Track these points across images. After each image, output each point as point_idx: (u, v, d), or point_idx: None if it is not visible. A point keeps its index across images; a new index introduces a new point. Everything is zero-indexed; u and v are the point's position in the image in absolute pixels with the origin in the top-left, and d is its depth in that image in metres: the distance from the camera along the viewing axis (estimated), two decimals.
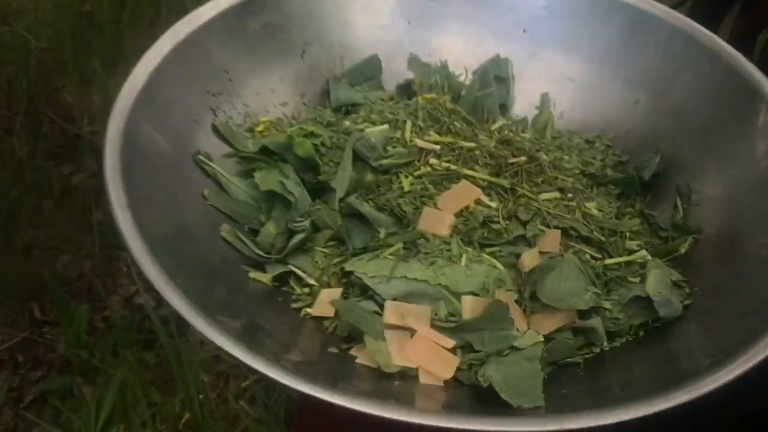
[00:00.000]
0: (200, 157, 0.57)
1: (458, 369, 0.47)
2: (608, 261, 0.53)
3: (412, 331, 0.48)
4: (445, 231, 0.52)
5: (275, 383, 0.41)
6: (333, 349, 0.49)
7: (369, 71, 0.68)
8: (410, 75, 0.69)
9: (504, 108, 0.67)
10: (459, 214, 0.53)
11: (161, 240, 0.48)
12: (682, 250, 0.55)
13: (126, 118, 0.53)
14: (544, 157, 0.58)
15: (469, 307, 0.49)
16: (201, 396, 1.12)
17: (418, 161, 0.56)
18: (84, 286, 1.42)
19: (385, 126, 0.57)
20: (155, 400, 1.19)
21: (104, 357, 1.22)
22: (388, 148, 0.56)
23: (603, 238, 0.54)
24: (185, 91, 0.59)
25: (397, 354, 0.47)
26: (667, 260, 0.55)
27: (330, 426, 0.53)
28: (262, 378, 0.41)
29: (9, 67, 1.66)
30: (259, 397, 1.16)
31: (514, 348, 0.47)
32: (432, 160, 0.55)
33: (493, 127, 0.61)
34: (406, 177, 0.55)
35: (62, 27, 1.74)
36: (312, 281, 0.53)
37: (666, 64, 0.64)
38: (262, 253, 0.54)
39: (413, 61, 0.68)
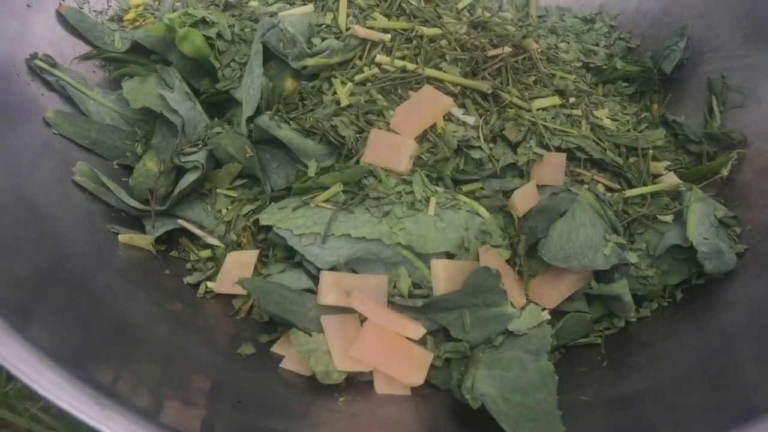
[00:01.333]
0: (38, 62, 0.39)
1: (432, 367, 0.32)
2: (629, 193, 0.38)
3: (361, 317, 0.33)
4: (403, 165, 0.35)
5: None
6: (245, 350, 0.33)
7: None
8: None
9: None
10: (422, 138, 0.36)
11: None
12: (724, 172, 0.41)
13: None
14: (534, 45, 0.41)
15: (443, 275, 0.33)
16: None
17: (360, 59, 0.38)
18: None
19: (309, 6, 0.39)
20: None
21: None
22: (315, 40, 0.38)
23: (620, 161, 0.39)
24: None
25: (341, 354, 0.32)
26: (704, 186, 0.40)
27: None
28: None
29: None
30: None
31: (509, 334, 0.33)
32: (380, 57, 0.38)
33: (461, 5, 0.44)
34: (343, 84, 0.37)
35: None
36: (214, 240, 0.37)
37: None
38: (137, 204, 0.37)
39: None
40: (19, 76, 0.38)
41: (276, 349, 0.33)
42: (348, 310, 0.33)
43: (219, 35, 0.40)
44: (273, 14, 0.39)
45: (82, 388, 0.25)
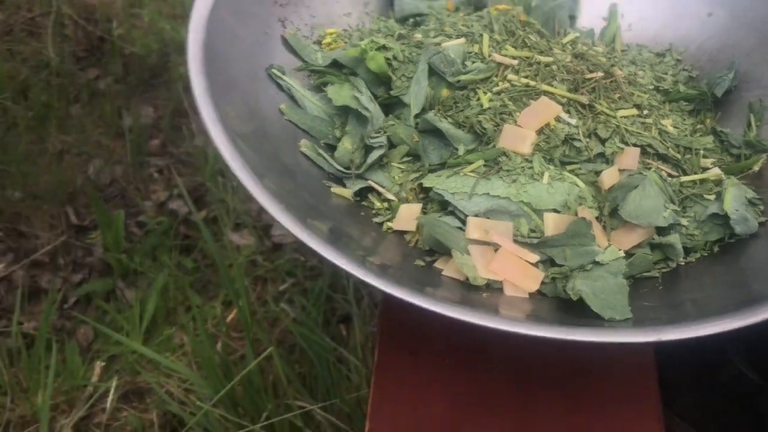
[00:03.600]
0: (274, 71, 0.57)
1: (542, 282, 0.49)
2: (684, 178, 0.54)
3: (495, 246, 0.49)
4: (526, 149, 0.52)
5: (365, 284, 0.42)
6: (418, 262, 0.50)
7: None
8: None
9: (572, 19, 0.66)
10: (540, 132, 0.53)
11: (245, 137, 0.48)
12: (756, 168, 0.56)
13: (203, 28, 0.52)
14: (619, 72, 0.57)
15: (552, 224, 0.50)
16: (241, 300, 1.15)
17: (496, 77, 0.55)
18: (116, 191, 1.43)
19: (462, 40, 0.56)
20: (196, 303, 1.23)
21: (142, 261, 1.25)
22: (467, 63, 0.56)
23: (679, 156, 0.55)
24: (255, 2, 0.58)
25: (483, 267, 0.48)
26: (740, 177, 0.55)
27: (413, 335, 0.54)
28: (348, 276, 0.42)
29: None
30: (297, 300, 1.19)
31: (596, 263, 0.49)
32: (510, 76, 0.55)
33: (566, 40, 0.61)
34: (485, 93, 0.54)
35: None
36: (391, 196, 0.54)
37: None
38: (342, 168, 0.54)
39: None
40: (263, 79, 0.56)
41: (437, 264, 0.50)
42: (486, 243, 0.50)
43: (394, 57, 0.58)
44: (437, 44, 0.56)
45: None
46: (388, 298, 0.42)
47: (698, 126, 0.59)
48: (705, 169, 0.55)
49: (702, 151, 0.56)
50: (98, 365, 1.10)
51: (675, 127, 0.56)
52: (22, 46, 1.49)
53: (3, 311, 1.23)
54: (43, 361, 1.08)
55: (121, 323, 1.16)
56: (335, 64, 0.59)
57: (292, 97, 0.57)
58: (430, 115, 0.54)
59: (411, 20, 0.64)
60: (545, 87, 0.54)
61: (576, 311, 0.46)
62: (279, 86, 0.57)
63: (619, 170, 0.52)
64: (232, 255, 1.24)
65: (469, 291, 0.47)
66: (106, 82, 1.50)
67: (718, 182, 0.54)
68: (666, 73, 0.62)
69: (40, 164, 1.39)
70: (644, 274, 0.51)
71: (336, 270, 0.41)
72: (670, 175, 0.54)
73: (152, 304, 1.19)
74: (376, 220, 0.53)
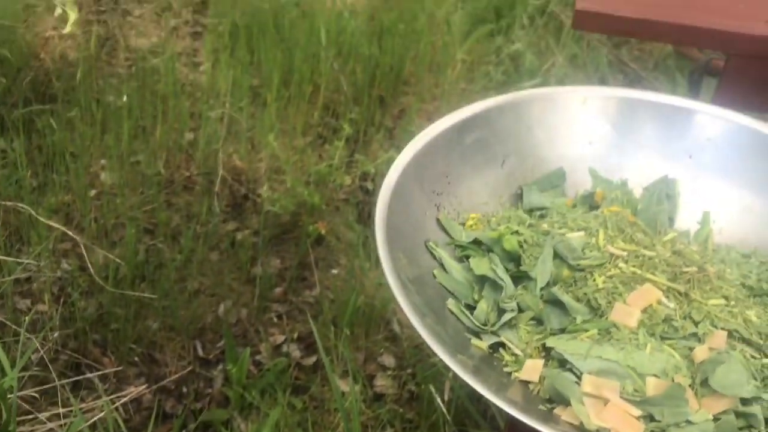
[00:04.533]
0: (430, 244, 0.73)
1: None
2: (766, 361, 0.65)
3: (605, 400, 0.61)
4: (633, 323, 0.65)
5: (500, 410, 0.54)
6: (541, 407, 0.62)
7: (555, 180, 0.83)
8: (588, 185, 0.83)
9: (671, 221, 0.80)
10: (644, 311, 0.66)
11: (411, 282, 0.63)
12: None
13: (385, 212, 0.69)
14: (711, 268, 0.70)
15: (653, 387, 0.61)
16: None
17: (609, 264, 0.69)
18: (240, 331, 1.60)
19: (582, 233, 0.71)
20: None
21: (258, 397, 1.38)
22: (585, 251, 0.70)
23: (761, 341, 0.66)
24: (419, 190, 0.75)
25: (595, 416, 0.60)
26: None
27: None
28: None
29: (189, 133, 1.91)
30: None
31: (689, 422, 0.60)
32: (621, 264, 0.69)
33: (666, 239, 0.75)
34: (600, 276, 0.68)
35: (234, 99, 1.98)
36: (518, 351, 0.67)
37: None
38: (480, 325, 0.68)
39: (595, 176, 0.82)
40: (422, 249, 0.72)
41: (556, 411, 0.62)
42: (597, 397, 0.62)
43: (525, 240, 0.73)
44: (562, 234, 0.71)
45: None
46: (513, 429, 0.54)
47: None
48: None
49: None
50: None
51: (758, 318, 0.68)
52: (178, 198, 1.74)
53: (131, 429, 1.37)
54: None
55: None
56: (476, 242, 0.74)
57: (442, 265, 0.73)
58: (555, 289, 0.68)
59: (537, 212, 0.80)
60: (649, 276, 0.68)
61: None
62: (433, 255, 0.73)
63: (710, 348, 0.64)
64: (338, 400, 1.36)
65: None
66: (243, 234, 1.72)
67: None
68: (751, 272, 0.74)
69: (179, 300, 1.58)
70: None
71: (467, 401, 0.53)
72: (753, 357, 0.65)
73: None
74: (506, 369, 0.66)
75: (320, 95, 2.01)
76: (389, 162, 0.77)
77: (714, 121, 0.81)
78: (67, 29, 1.10)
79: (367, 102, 2.00)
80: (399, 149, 0.76)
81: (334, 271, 1.66)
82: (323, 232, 1.68)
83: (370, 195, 1.79)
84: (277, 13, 2.16)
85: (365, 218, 1.73)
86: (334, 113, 2.02)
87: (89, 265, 1.39)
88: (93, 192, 1.72)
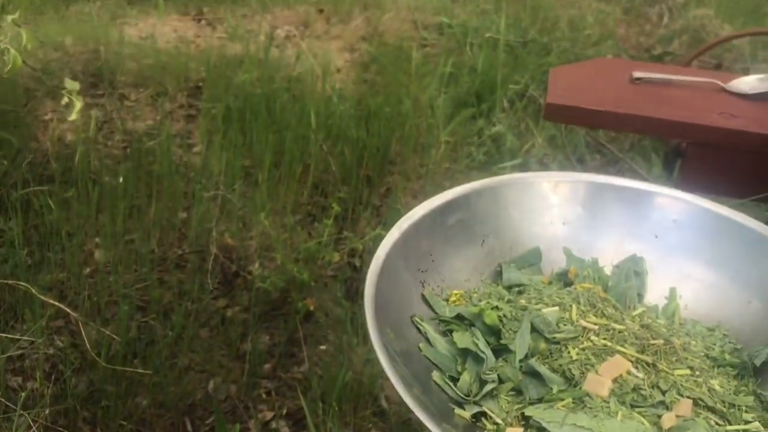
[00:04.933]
0: (416, 319, 0.78)
1: None
2: (729, 428, 0.69)
3: None
4: (605, 392, 0.69)
5: None
6: None
7: (532, 259, 0.89)
8: (562, 263, 0.89)
9: (640, 296, 0.86)
10: (615, 381, 0.70)
11: (398, 355, 0.68)
12: None
13: (373, 288, 0.74)
14: (676, 341, 0.75)
15: None
16: None
17: (582, 337, 0.74)
18: (229, 407, 1.62)
19: (557, 308, 0.77)
20: None
21: None
22: (560, 325, 0.75)
23: (724, 409, 0.71)
24: (405, 268, 0.81)
25: None
26: None
27: None
28: None
29: (182, 212, 1.97)
30: None
31: None
32: (593, 337, 0.74)
33: (635, 313, 0.80)
34: (574, 348, 0.73)
35: (227, 179, 2.05)
36: (499, 420, 0.71)
37: None
38: (462, 395, 0.73)
39: (569, 255, 0.88)
40: (408, 324, 0.77)
41: None
42: None
43: (504, 315, 0.78)
44: (538, 309, 0.76)
45: None
46: None
47: (742, 387, 0.75)
48: (747, 422, 0.71)
49: (744, 407, 0.72)
50: None
51: (721, 387, 0.73)
52: (170, 276, 1.79)
53: None
54: None
55: None
56: (459, 317, 0.79)
57: (427, 339, 0.77)
58: (532, 361, 0.73)
59: (515, 288, 0.85)
60: (619, 348, 0.73)
61: None
62: (419, 330, 0.78)
63: (676, 416, 0.68)
64: None
65: None
66: (233, 311, 1.76)
67: None
68: (715, 344, 0.79)
69: (169, 377, 1.60)
70: None
71: None
72: (717, 424, 0.70)
73: None
74: None
75: (310, 175, 2.08)
76: (376, 239, 0.83)
77: (677, 203, 0.88)
78: (73, 117, 1.17)
79: (355, 181, 2.07)
80: (386, 226, 0.82)
81: (323, 347, 1.69)
82: (312, 308, 1.72)
83: (358, 272, 1.84)
84: (269, 98, 2.26)
85: (353, 294, 1.78)
86: (323, 192, 2.09)
87: (84, 340, 1.42)
88: (87, 270, 1.76)
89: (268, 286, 1.72)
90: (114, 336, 1.44)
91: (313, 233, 1.94)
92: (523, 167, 2.29)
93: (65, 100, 1.16)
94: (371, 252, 0.80)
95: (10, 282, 1.43)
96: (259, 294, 1.74)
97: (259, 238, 1.87)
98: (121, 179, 1.88)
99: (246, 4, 3.06)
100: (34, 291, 1.28)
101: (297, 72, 2.49)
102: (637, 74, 1.28)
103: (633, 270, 0.87)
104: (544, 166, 2.33)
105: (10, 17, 1.06)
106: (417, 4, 3.10)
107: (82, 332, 1.32)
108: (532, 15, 3.00)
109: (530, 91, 2.59)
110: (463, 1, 3.17)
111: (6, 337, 1.52)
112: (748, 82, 1.29)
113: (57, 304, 1.39)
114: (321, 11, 3.07)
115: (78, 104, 1.16)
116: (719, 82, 1.31)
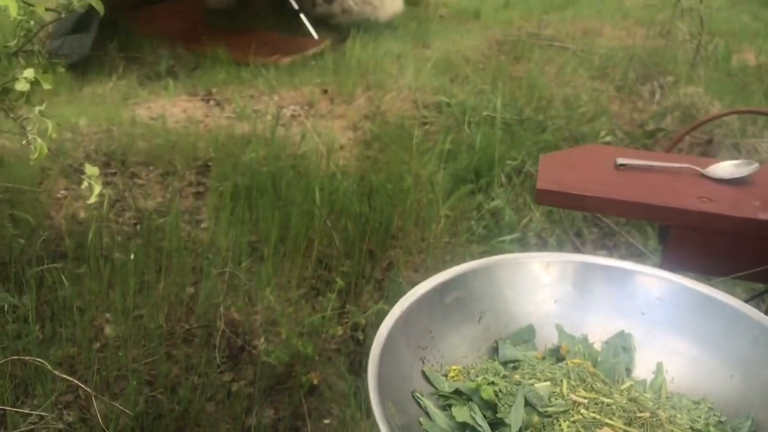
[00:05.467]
0: (416, 394, 0.83)
1: None
2: None
3: None
4: None
5: None
6: None
7: (526, 336, 0.94)
8: (555, 339, 0.94)
9: (628, 371, 0.90)
10: None
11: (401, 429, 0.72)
12: None
13: (376, 364, 0.79)
14: (663, 413, 0.80)
15: None
16: None
17: (572, 410, 0.79)
18: None
19: (548, 383, 0.81)
20: None
21: None
22: (551, 399, 0.80)
23: None
24: (406, 345, 0.86)
25: None
26: None
27: None
28: None
29: (190, 288, 2.02)
30: None
31: None
32: (582, 410, 0.78)
33: (623, 387, 0.85)
34: (564, 421, 0.78)
35: (234, 255, 2.11)
36: None
37: (755, 353, 0.86)
38: None
39: (560, 332, 0.93)
40: (409, 399, 0.82)
41: None
42: None
43: (500, 390, 0.83)
44: (531, 384, 0.81)
45: None
46: None
47: None
48: None
49: None
50: None
51: None
52: (178, 350, 1.83)
53: None
54: None
55: None
56: (457, 392, 0.84)
57: (428, 414, 0.82)
58: None
59: (510, 364, 0.90)
60: (607, 420, 0.77)
61: None
62: (419, 404, 0.82)
63: None
64: None
65: None
66: (239, 385, 1.79)
67: None
68: (700, 417, 0.84)
69: None
70: None
71: None
72: None
73: None
74: None
75: (314, 250, 2.14)
76: (379, 313, 0.88)
77: (660, 282, 0.94)
78: (92, 200, 1.23)
79: (358, 255, 2.13)
80: (388, 300, 0.88)
81: (327, 421, 1.72)
82: (316, 382, 1.76)
83: (361, 345, 1.88)
84: (275, 175, 2.35)
85: (356, 368, 1.82)
86: (327, 266, 2.15)
87: (94, 414, 1.45)
88: (97, 344, 1.81)
89: (273, 360, 1.76)
90: (124, 410, 1.47)
91: (317, 307, 1.99)
92: (522, 241, 2.35)
93: (85, 184, 1.23)
94: (374, 326, 0.85)
95: (31, 360, 1.47)
96: (264, 368, 1.78)
97: (265, 313, 1.92)
98: (132, 256, 1.94)
99: (253, 86, 3.19)
100: (48, 366, 1.33)
101: (302, 150, 2.58)
102: (621, 161, 1.36)
103: (621, 346, 0.92)
104: (542, 240, 2.40)
105: (37, 108, 1.13)
106: (417, 84, 3.23)
107: (94, 406, 1.36)
108: (527, 94, 3.12)
109: (527, 167, 2.67)
110: (461, 81, 3.30)
111: (17, 412, 1.55)
112: (724, 168, 1.36)
113: (69, 378, 1.43)
114: (325, 92, 3.19)
115: (97, 188, 1.23)
116: (698, 168, 1.39)
